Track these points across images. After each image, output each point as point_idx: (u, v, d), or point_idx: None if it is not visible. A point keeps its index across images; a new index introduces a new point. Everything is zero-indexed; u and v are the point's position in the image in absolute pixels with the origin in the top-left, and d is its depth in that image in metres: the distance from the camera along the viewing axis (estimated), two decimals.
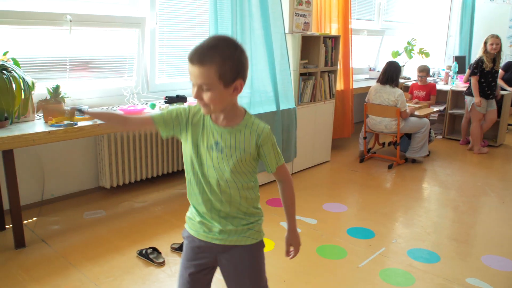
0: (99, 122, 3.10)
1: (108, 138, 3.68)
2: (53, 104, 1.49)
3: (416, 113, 5.13)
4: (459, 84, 6.55)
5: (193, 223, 1.62)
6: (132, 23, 3.83)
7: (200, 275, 1.63)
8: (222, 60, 1.37)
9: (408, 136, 5.26)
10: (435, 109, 5.80)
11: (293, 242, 1.69)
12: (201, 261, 1.61)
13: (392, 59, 6.54)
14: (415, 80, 6.41)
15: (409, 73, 7.45)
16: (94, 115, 1.73)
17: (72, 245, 3.00)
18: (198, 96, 1.42)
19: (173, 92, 4.16)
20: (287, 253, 1.70)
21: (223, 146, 1.49)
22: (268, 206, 3.71)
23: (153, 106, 3.67)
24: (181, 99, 3.91)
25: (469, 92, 5.65)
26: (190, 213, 1.64)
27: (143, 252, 2.85)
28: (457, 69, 7.02)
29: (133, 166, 3.92)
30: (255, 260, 1.63)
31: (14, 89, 2.76)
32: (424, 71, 5.88)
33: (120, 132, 3.71)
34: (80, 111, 1.61)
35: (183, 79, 4.45)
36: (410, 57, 7.18)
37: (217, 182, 1.51)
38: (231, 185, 1.51)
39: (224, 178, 1.51)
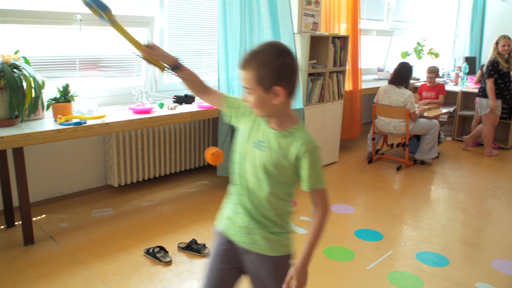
0: (107, 121, 3.12)
1: (117, 137, 3.69)
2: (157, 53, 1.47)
3: (425, 114, 5.09)
4: (469, 85, 6.49)
5: (224, 219, 1.65)
6: (142, 23, 3.84)
7: (227, 273, 1.63)
8: (260, 65, 1.41)
9: (417, 137, 5.22)
10: (445, 110, 5.75)
11: (296, 276, 1.52)
12: (227, 260, 1.62)
13: (401, 59, 6.54)
14: (424, 81, 6.36)
15: (419, 74, 7.41)
16: (185, 74, 1.64)
17: (80, 242, 3.02)
18: (246, 99, 1.50)
19: (182, 91, 4.17)
20: (286, 284, 1.53)
21: (266, 146, 1.51)
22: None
23: (161, 105, 3.68)
24: (189, 98, 3.92)
25: (483, 94, 5.50)
26: (228, 211, 1.65)
27: (150, 251, 2.86)
28: (467, 70, 6.97)
29: (141, 165, 3.93)
30: (276, 272, 1.58)
31: (25, 87, 2.79)
32: (433, 72, 5.83)
33: (129, 131, 3.72)
34: (177, 67, 1.59)
35: None
36: (420, 57, 7.14)
37: (252, 179, 1.53)
38: (263, 187, 1.51)
39: (258, 177, 1.51)
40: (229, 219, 1.61)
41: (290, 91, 1.47)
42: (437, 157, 5.30)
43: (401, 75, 4.88)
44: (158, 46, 1.63)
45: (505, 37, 5.38)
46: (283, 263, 1.58)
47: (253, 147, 1.53)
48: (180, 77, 1.63)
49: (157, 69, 4.02)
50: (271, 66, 1.41)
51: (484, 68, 5.56)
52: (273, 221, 1.55)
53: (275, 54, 1.43)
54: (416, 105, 5.10)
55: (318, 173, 1.49)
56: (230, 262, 1.62)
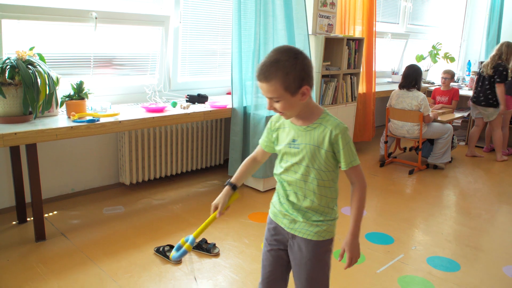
0: (120, 119, 3.14)
1: (129, 135, 3.71)
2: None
3: (439, 118, 5.04)
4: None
5: (273, 208, 1.77)
6: (156, 21, 3.86)
7: (277, 253, 1.76)
8: (284, 74, 1.48)
9: (430, 141, 5.17)
10: (459, 115, 5.69)
11: (347, 248, 1.64)
12: (276, 241, 1.75)
13: (415, 62, 6.48)
14: (438, 85, 6.30)
15: (433, 77, 7.34)
16: (242, 179, 1.87)
17: (91, 239, 3.03)
18: (271, 107, 1.57)
19: (195, 91, 4.19)
20: (341, 256, 1.65)
21: (299, 142, 1.61)
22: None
23: (174, 104, 3.69)
24: (202, 98, 3.92)
25: (487, 104, 5.36)
26: (274, 200, 1.78)
27: (160, 249, 2.87)
28: None
29: (152, 163, 3.94)
30: (317, 256, 1.67)
31: (39, 84, 2.80)
32: (448, 73, 5.75)
33: (141, 129, 3.74)
34: (235, 188, 1.85)
35: (205, 78, 4.47)
36: (435, 61, 7.08)
37: (294, 175, 1.63)
38: (307, 180, 1.62)
39: (301, 172, 1.62)
40: (278, 208, 1.74)
41: (311, 86, 1.56)
42: (450, 161, 5.24)
43: (411, 78, 4.83)
44: (215, 202, 1.81)
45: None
46: (325, 247, 1.68)
47: (288, 148, 1.64)
48: (243, 181, 1.86)
49: (170, 68, 4.04)
50: (294, 72, 1.49)
51: (489, 72, 5.27)
52: (317, 211, 1.65)
53: (293, 59, 1.50)
54: (430, 109, 5.04)
55: (352, 151, 1.60)
56: (277, 244, 1.76)
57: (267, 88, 1.51)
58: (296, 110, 1.57)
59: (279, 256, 1.77)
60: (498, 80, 5.19)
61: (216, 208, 1.78)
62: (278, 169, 1.70)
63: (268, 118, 3.61)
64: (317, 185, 1.61)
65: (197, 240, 2.57)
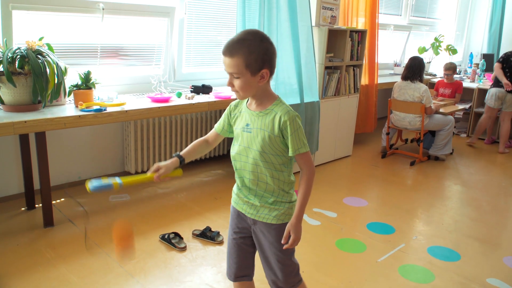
0: (126, 109, 3.19)
1: (135, 124, 3.76)
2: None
3: (441, 110, 5.08)
4: (487, 83, 6.44)
5: (233, 195, 1.85)
6: (162, 13, 3.89)
7: (242, 241, 1.84)
8: (248, 51, 1.56)
9: (432, 133, 5.22)
10: (461, 107, 5.72)
11: (292, 230, 1.68)
12: (240, 228, 1.84)
13: (418, 54, 6.50)
14: (441, 77, 6.33)
15: (435, 69, 7.36)
16: (190, 156, 1.86)
17: (98, 226, 3.10)
18: (230, 83, 1.63)
19: (199, 81, 4.22)
20: (285, 238, 1.69)
21: (252, 127, 1.69)
22: None
23: (179, 94, 3.73)
24: (206, 88, 3.96)
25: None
26: (234, 187, 1.85)
27: (166, 236, 2.93)
28: (484, 67, 6.91)
29: (157, 152, 4.00)
30: (279, 240, 1.72)
31: (48, 73, 2.85)
32: (450, 69, 5.78)
33: (147, 119, 3.79)
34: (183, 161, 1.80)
35: (209, 69, 4.50)
36: (437, 53, 7.10)
37: (247, 160, 1.70)
38: (259, 163, 1.68)
39: (253, 156, 1.68)
40: (237, 195, 1.82)
41: (272, 72, 1.64)
42: (451, 153, 5.29)
43: (414, 70, 4.86)
44: (159, 163, 1.74)
45: None
46: (283, 233, 1.72)
47: (242, 132, 1.72)
48: (190, 159, 1.84)
49: (175, 59, 4.07)
50: (257, 52, 1.57)
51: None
52: (273, 194, 1.72)
53: (259, 41, 1.58)
54: (433, 101, 5.08)
55: (300, 139, 1.65)
56: (242, 232, 1.84)
57: (230, 63, 1.57)
58: (252, 91, 1.64)
59: (244, 243, 1.84)
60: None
61: (157, 170, 1.72)
62: (232, 151, 1.76)
63: None
64: (268, 169, 1.67)
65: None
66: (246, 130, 1.70)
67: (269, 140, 1.65)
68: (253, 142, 1.67)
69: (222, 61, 1.61)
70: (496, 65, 5.55)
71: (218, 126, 1.86)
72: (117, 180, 1.69)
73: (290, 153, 1.66)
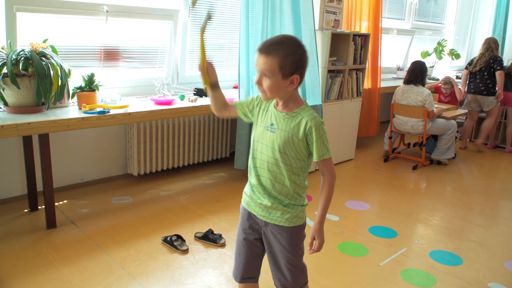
0: (129, 111, 3.20)
1: (138, 127, 3.77)
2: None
3: (443, 114, 5.08)
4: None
5: (245, 196, 1.84)
6: (166, 15, 3.91)
7: (252, 242, 1.84)
8: (285, 54, 1.57)
9: (434, 137, 5.21)
10: (463, 111, 5.72)
11: (316, 235, 1.72)
12: (251, 230, 1.83)
13: (420, 59, 6.50)
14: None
15: (438, 74, 7.36)
16: (218, 93, 1.83)
17: (100, 228, 3.10)
18: (259, 81, 1.62)
19: (202, 84, 4.23)
20: (310, 245, 1.74)
21: (276, 127, 1.69)
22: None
23: (182, 97, 3.75)
24: None
25: (488, 93, 5.71)
26: (246, 188, 1.85)
27: (168, 239, 2.93)
28: None
29: (160, 155, 4.01)
30: (290, 242, 1.75)
31: (52, 75, 2.86)
32: (448, 83, 5.72)
33: (150, 121, 3.80)
34: (216, 86, 1.80)
35: None
36: (440, 58, 7.09)
37: (267, 159, 1.70)
38: (279, 164, 1.68)
39: (273, 156, 1.68)
40: (249, 196, 1.81)
41: (302, 80, 1.64)
42: (453, 157, 5.28)
43: (417, 74, 4.88)
44: (212, 65, 1.78)
45: None
46: (298, 233, 1.77)
47: (265, 131, 1.71)
48: (213, 94, 1.82)
49: (179, 61, 4.08)
50: (293, 56, 1.57)
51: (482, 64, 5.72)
52: (288, 196, 1.72)
53: (296, 46, 1.60)
54: (435, 105, 5.08)
55: (325, 145, 1.66)
56: (252, 233, 1.83)
57: (265, 61, 1.57)
58: (279, 94, 1.64)
59: (253, 244, 1.85)
60: (498, 68, 5.59)
61: (209, 65, 1.76)
62: (252, 150, 1.76)
63: None
64: (286, 171, 1.68)
65: None
66: (270, 129, 1.69)
67: (292, 143, 1.66)
68: (276, 142, 1.67)
69: (255, 59, 1.62)
70: (464, 72, 5.99)
71: (238, 103, 1.85)
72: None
73: (315, 159, 1.67)
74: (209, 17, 1.79)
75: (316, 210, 3.54)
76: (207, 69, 1.75)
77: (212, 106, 1.87)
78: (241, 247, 1.87)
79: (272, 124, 1.70)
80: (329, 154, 1.68)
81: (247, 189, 1.83)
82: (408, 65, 6.75)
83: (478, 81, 5.75)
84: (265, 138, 1.70)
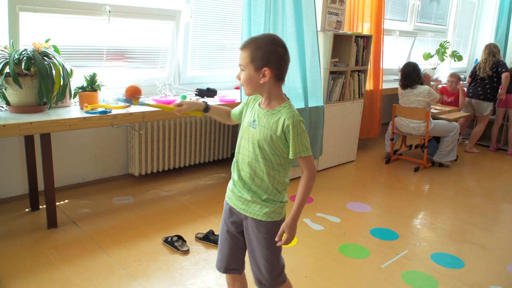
0: (131, 111, 3.20)
1: (139, 127, 3.77)
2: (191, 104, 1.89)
3: (444, 116, 5.07)
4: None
5: (228, 191, 1.91)
6: (168, 16, 3.91)
7: (234, 235, 1.90)
8: (256, 47, 1.66)
9: (436, 139, 5.20)
10: (466, 114, 5.71)
11: (287, 230, 1.74)
12: (232, 222, 1.88)
13: (424, 61, 6.50)
14: (445, 83, 6.31)
15: (440, 76, 7.35)
16: (214, 110, 1.97)
17: (101, 228, 3.10)
18: (238, 76, 1.73)
19: (204, 84, 4.23)
20: (279, 236, 1.75)
21: (257, 124, 1.75)
22: (291, 202, 3.74)
23: (184, 97, 3.74)
24: (211, 92, 3.97)
25: (486, 98, 5.83)
26: (229, 183, 1.91)
27: (169, 239, 2.93)
28: None
29: (161, 155, 4.00)
30: (267, 237, 1.79)
31: (54, 75, 2.86)
32: (454, 76, 5.79)
33: (151, 122, 3.79)
34: (207, 108, 1.93)
35: (214, 73, 4.51)
36: (442, 59, 7.08)
37: (248, 154, 1.77)
38: (258, 159, 1.74)
39: (253, 152, 1.75)
40: (231, 190, 1.87)
41: (277, 75, 1.70)
42: (455, 160, 5.27)
43: (412, 77, 4.87)
44: (185, 100, 1.91)
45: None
46: (275, 228, 1.78)
47: (248, 127, 1.78)
48: (211, 115, 1.96)
49: (180, 62, 4.08)
50: (264, 50, 1.66)
51: (488, 72, 5.81)
52: (267, 191, 1.77)
53: (269, 42, 1.68)
54: (438, 107, 5.07)
55: (303, 143, 1.70)
56: (234, 227, 1.89)
57: (240, 56, 1.69)
58: (253, 88, 1.71)
59: (235, 237, 1.90)
60: (504, 70, 5.70)
61: (180, 105, 1.86)
62: (238, 146, 1.83)
63: None
64: (265, 166, 1.73)
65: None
66: (252, 125, 1.76)
67: (271, 139, 1.70)
68: (255, 138, 1.73)
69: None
70: (468, 80, 6.15)
71: (233, 110, 1.94)
72: (140, 101, 1.92)
73: (291, 156, 1.71)
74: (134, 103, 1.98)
75: (317, 212, 3.56)
76: (187, 111, 1.87)
77: (219, 120, 2.01)
78: (224, 239, 1.93)
79: (254, 121, 1.76)
80: (308, 152, 1.70)
81: (230, 183, 1.90)
82: None
83: (477, 85, 5.86)
84: (248, 134, 1.77)
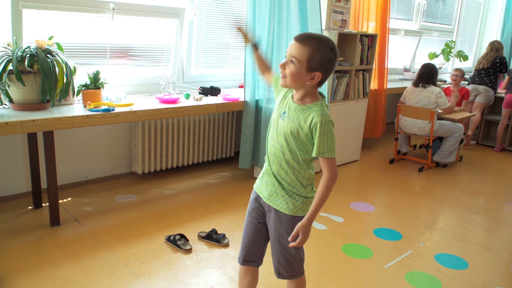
0: (134, 109, 3.19)
1: (143, 125, 3.76)
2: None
3: (449, 116, 5.04)
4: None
5: (258, 179, 1.92)
6: (172, 14, 3.90)
7: (257, 225, 1.92)
8: (317, 48, 1.62)
9: (441, 139, 5.17)
10: (471, 114, 5.67)
11: (301, 231, 1.72)
12: (256, 213, 1.91)
13: (428, 60, 6.46)
14: (449, 84, 6.28)
15: (445, 76, 7.31)
16: (261, 52, 2.09)
17: (104, 226, 3.09)
18: (283, 66, 1.67)
19: (208, 83, 4.22)
20: (293, 237, 1.73)
21: (287, 116, 1.74)
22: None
23: (187, 96, 3.73)
24: (215, 90, 3.96)
25: (490, 87, 6.13)
26: (261, 171, 1.91)
27: (171, 238, 2.92)
28: None
29: (164, 154, 4.00)
30: (288, 231, 1.77)
31: (57, 72, 2.86)
32: (459, 71, 5.72)
33: (154, 120, 3.79)
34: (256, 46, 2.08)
35: (218, 71, 4.50)
36: (447, 59, 7.05)
37: (275, 145, 1.78)
38: (284, 152, 1.75)
39: (280, 143, 1.75)
40: (260, 178, 1.89)
41: (323, 80, 1.69)
42: (460, 160, 5.24)
43: (427, 76, 4.83)
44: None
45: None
46: (295, 223, 1.75)
47: (278, 117, 1.78)
48: (255, 55, 2.03)
49: (184, 60, 4.07)
50: (323, 54, 1.63)
51: (488, 64, 6.15)
52: (291, 183, 1.77)
53: (330, 47, 1.65)
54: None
55: (328, 143, 1.67)
56: (257, 217, 1.91)
57: (297, 47, 1.62)
58: (298, 84, 1.68)
59: (258, 228, 1.91)
60: (504, 71, 6.11)
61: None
62: (267, 134, 1.85)
63: None
64: (291, 159, 1.74)
65: None
66: (282, 117, 1.75)
67: (297, 134, 1.70)
68: (284, 130, 1.73)
69: (289, 45, 1.67)
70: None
71: (276, 76, 1.92)
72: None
73: (314, 154, 1.69)
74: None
75: (321, 212, 3.53)
76: (243, 32, 2.02)
77: (258, 66, 2.07)
78: (246, 228, 1.95)
79: (284, 112, 1.75)
80: (331, 154, 1.68)
81: (261, 172, 1.90)
82: (415, 66, 6.75)
83: (483, 75, 6.15)
84: (277, 125, 1.77)
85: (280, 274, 1.91)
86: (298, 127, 1.69)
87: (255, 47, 2.02)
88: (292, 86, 1.70)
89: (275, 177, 1.79)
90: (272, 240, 1.88)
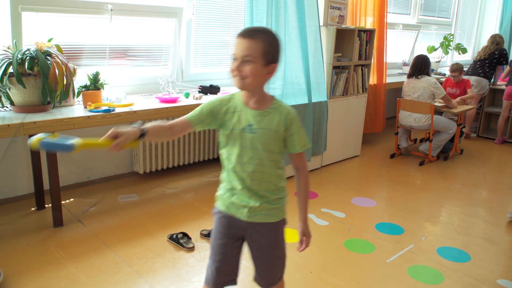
0: (134, 109, 3.20)
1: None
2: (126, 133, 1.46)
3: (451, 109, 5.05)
4: (496, 82, 6.40)
5: (224, 200, 1.73)
6: (170, 13, 3.90)
7: (231, 245, 1.75)
8: (270, 41, 1.56)
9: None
10: (470, 106, 5.67)
11: (305, 232, 1.75)
12: (231, 234, 1.74)
13: (427, 53, 6.46)
14: (448, 75, 6.28)
15: (445, 69, 7.31)
16: (152, 133, 1.58)
17: (107, 226, 3.11)
18: (237, 68, 1.54)
19: (207, 82, 4.23)
20: (301, 242, 1.75)
21: (256, 127, 1.61)
22: (295, 197, 3.73)
23: (187, 95, 3.74)
24: (214, 88, 3.97)
25: (485, 76, 6.19)
26: (222, 191, 1.75)
27: (174, 236, 2.93)
28: None
29: (165, 153, 4.01)
30: (278, 236, 1.75)
31: (57, 74, 2.87)
32: (456, 70, 5.64)
33: (155, 119, 3.79)
34: (143, 135, 1.53)
35: (217, 69, 4.50)
36: (446, 52, 7.05)
37: (251, 162, 1.62)
38: (265, 163, 1.63)
39: (258, 157, 1.62)
40: (230, 202, 1.70)
41: (275, 72, 1.63)
42: (460, 153, 5.25)
43: (420, 66, 4.90)
44: (119, 130, 1.47)
45: None
46: (283, 225, 1.76)
47: (243, 133, 1.61)
48: (150, 139, 1.59)
49: (183, 59, 4.08)
50: (275, 45, 1.58)
51: (486, 55, 6.24)
52: (274, 192, 1.69)
53: (276, 37, 1.60)
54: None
55: (305, 136, 1.67)
56: (232, 236, 1.74)
57: (248, 45, 1.51)
58: (258, 82, 1.56)
59: (232, 246, 1.75)
60: (504, 62, 6.19)
61: (115, 137, 1.45)
62: (230, 158, 1.65)
63: None
64: (272, 167, 1.65)
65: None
66: (249, 131, 1.60)
67: (277, 138, 1.62)
68: (259, 142, 1.60)
69: (235, 44, 1.54)
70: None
71: (192, 115, 1.66)
72: (71, 140, 1.42)
73: (297, 150, 1.65)
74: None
75: (322, 207, 3.55)
76: (122, 143, 1.45)
77: (159, 141, 1.79)
78: (217, 248, 1.75)
79: (250, 125, 1.60)
80: (308, 145, 1.68)
81: (225, 193, 1.72)
82: None
83: (478, 66, 6.21)
84: (246, 141, 1.61)
85: (270, 284, 1.81)
86: (274, 130, 1.61)
87: (142, 136, 1.51)
88: (253, 86, 1.56)
89: (256, 192, 1.65)
90: (259, 254, 1.76)
